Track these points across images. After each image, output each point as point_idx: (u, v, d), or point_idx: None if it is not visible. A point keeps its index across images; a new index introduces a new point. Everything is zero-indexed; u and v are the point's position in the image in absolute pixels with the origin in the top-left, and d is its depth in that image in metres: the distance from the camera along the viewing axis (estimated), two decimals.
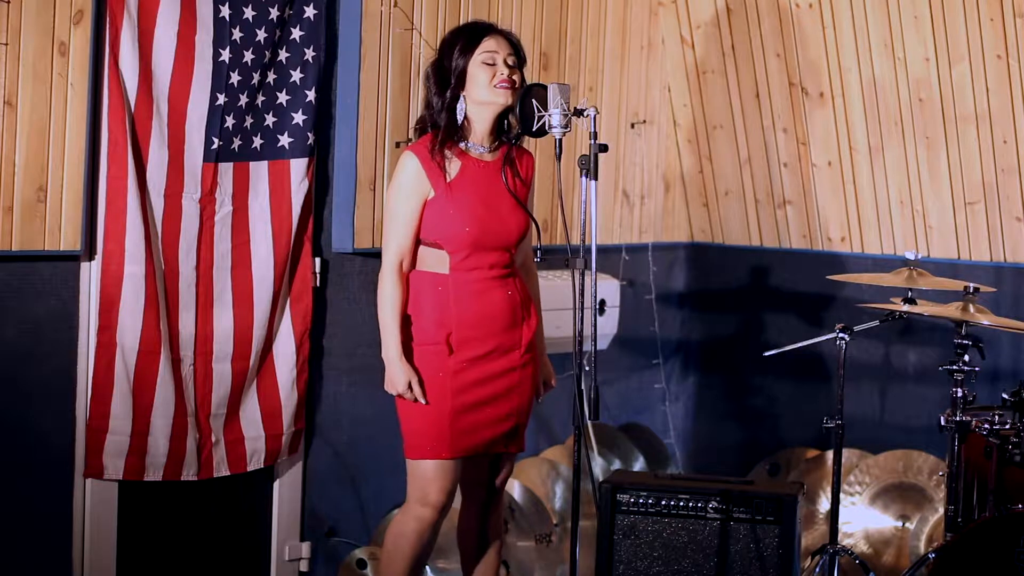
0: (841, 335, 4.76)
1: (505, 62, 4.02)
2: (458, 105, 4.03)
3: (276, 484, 4.88)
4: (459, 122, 4.03)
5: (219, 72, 4.47)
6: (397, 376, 4.02)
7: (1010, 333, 5.37)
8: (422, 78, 4.17)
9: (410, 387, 4.01)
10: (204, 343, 4.51)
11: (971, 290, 4.63)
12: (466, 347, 4.05)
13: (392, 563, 4.12)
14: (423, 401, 4.01)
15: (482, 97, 4.02)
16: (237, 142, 4.56)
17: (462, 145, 4.06)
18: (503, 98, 4.02)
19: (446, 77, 4.03)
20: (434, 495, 4.06)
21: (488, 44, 4.02)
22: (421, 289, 4.06)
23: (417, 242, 4.07)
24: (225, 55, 4.48)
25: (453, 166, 4.04)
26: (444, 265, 4.05)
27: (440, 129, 4.03)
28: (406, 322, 4.06)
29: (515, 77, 4.03)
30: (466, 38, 4.04)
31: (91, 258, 4.32)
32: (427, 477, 4.06)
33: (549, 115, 3.94)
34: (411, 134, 4.18)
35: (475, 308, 4.05)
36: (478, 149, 4.07)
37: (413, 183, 4.03)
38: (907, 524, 5.60)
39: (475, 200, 4.03)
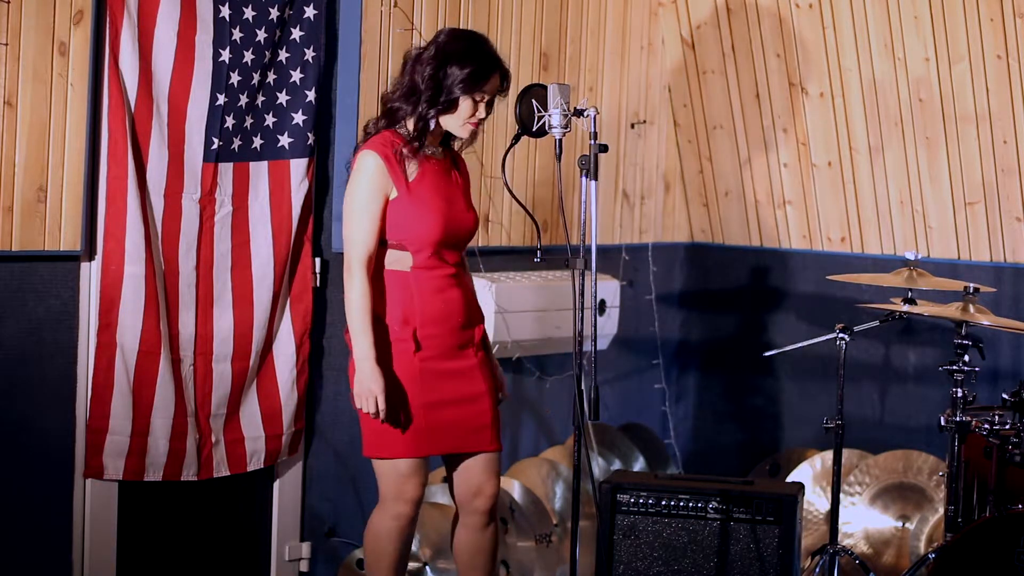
0: (841, 335, 4.77)
1: (487, 102, 4.03)
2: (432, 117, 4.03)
3: (276, 484, 4.88)
4: (430, 132, 4.03)
5: (219, 72, 4.47)
6: (370, 382, 3.94)
7: (1010, 333, 5.37)
8: (408, 69, 4.05)
9: (376, 401, 3.95)
10: (204, 343, 4.52)
11: (971, 290, 4.63)
12: (430, 343, 4.05)
13: (378, 565, 4.12)
14: (381, 418, 3.96)
15: (451, 126, 4.04)
16: (237, 142, 4.56)
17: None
18: (466, 135, 4.06)
19: (438, 94, 3.99)
20: (411, 491, 4.08)
21: (488, 86, 4.01)
22: (386, 288, 4.05)
23: (381, 243, 4.04)
24: (225, 55, 4.48)
25: (411, 166, 4.04)
26: (406, 263, 4.05)
27: (397, 125, 4.02)
28: (375, 321, 4.02)
29: (484, 118, 4.04)
30: (473, 72, 3.97)
31: (91, 258, 4.32)
32: (403, 475, 4.06)
33: (549, 115, 3.94)
34: (373, 121, 4.11)
35: (437, 305, 4.05)
36: (431, 149, 4.08)
37: (377, 181, 3.99)
38: (907, 524, 5.60)
39: (436, 198, 4.04)
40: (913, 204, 5.87)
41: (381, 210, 4.00)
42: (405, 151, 4.00)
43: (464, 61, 3.99)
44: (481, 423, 4.12)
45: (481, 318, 4.19)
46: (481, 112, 4.02)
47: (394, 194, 4.01)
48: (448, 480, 4.21)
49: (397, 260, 4.05)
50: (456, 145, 4.16)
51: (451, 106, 4.00)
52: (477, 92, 3.99)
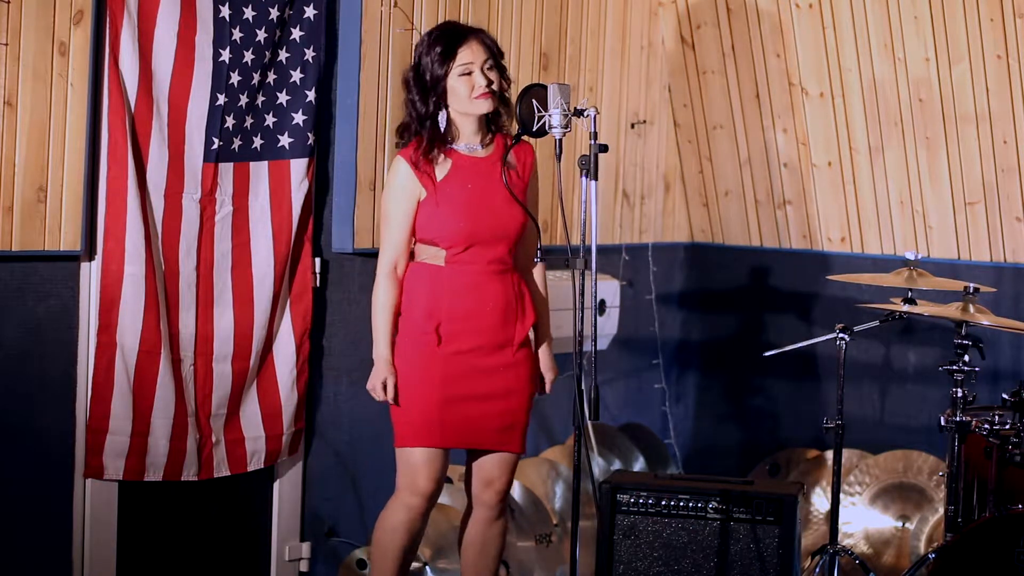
0: (841, 335, 4.76)
1: (482, 70, 4.05)
2: (440, 114, 4.07)
3: (276, 484, 4.88)
4: (442, 130, 4.07)
5: (219, 72, 4.47)
6: (383, 376, 4.09)
7: (1010, 333, 5.37)
8: (402, 83, 4.17)
9: (384, 388, 4.09)
10: (204, 343, 4.51)
11: (971, 290, 4.63)
12: (455, 339, 4.08)
13: (384, 556, 4.14)
14: (393, 402, 4.09)
15: (463, 109, 4.08)
16: (237, 142, 4.56)
17: (453, 146, 4.09)
18: (484, 108, 4.08)
19: (426, 88, 4.06)
20: (423, 483, 4.09)
21: (463, 55, 4.05)
22: (417, 279, 4.12)
23: (414, 242, 4.14)
24: (225, 55, 4.48)
25: (443, 166, 4.09)
26: (441, 258, 4.10)
27: (425, 134, 4.07)
28: (403, 312, 4.13)
29: (494, 85, 4.07)
30: (442, 48, 4.05)
31: (91, 258, 4.32)
32: (416, 464, 4.09)
33: (549, 115, 3.94)
34: (393, 139, 4.21)
35: (467, 302, 4.08)
36: (468, 147, 4.11)
37: (404, 186, 4.09)
38: (907, 524, 5.59)
39: (466, 197, 4.07)
40: (913, 204, 5.87)
41: (409, 214, 4.09)
42: (434, 152, 4.06)
43: (431, 47, 4.07)
44: (506, 423, 4.14)
45: (529, 315, 4.18)
46: (479, 80, 4.04)
47: (423, 195, 4.08)
48: (466, 474, 4.24)
49: (432, 255, 4.11)
50: (505, 129, 4.16)
51: (442, 92, 4.04)
52: (456, 64, 4.03)
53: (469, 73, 4.04)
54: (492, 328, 4.11)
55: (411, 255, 4.16)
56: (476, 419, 4.11)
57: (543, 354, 4.27)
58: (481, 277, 4.10)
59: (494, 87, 4.06)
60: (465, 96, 4.05)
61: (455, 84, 4.04)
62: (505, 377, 4.13)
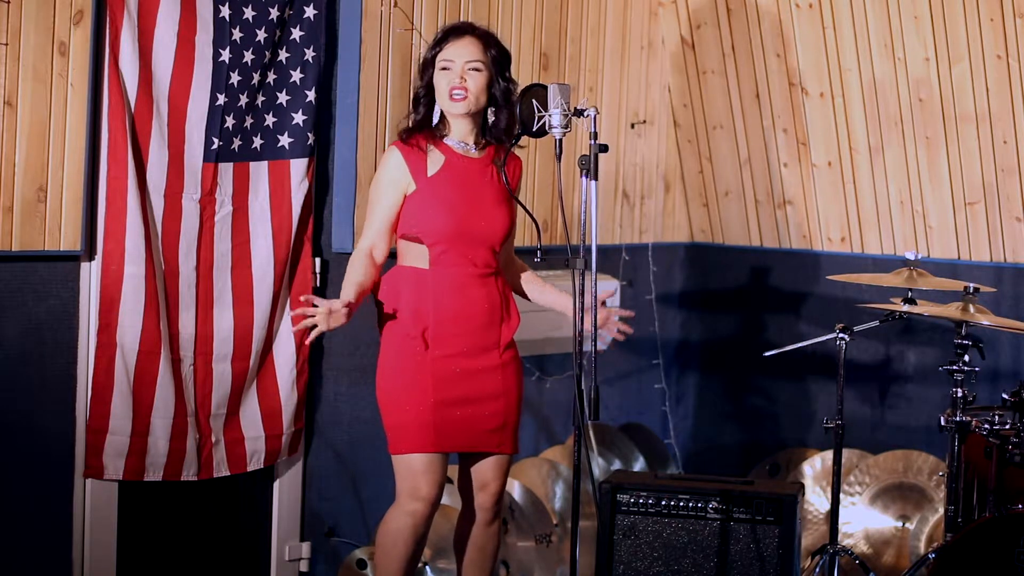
0: (841, 335, 4.77)
1: (463, 69, 4.04)
2: (435, 106, 4.10)
3: (276, 484, 4.88)
4: (434, 122, 4.09)
5: (219, 72, 4.47)
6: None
7: (1010, 333, 5.37)
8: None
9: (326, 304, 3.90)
10: (204, 343, 4.52)
11: (971, 290, 4.63)
12: (442, 343, 4.08)
13: (388, 562, 4.13)
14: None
15: (442, 106, 4.09)
16: (237, 142, 4.56)
17: (446, 140, 4.09)
18: (457, 109, 4.06)
19: (421, 77, 4.13)
20: (425, 488, 4.08)
21: (448, 51, 4.06)
22: (401, 283, 4.11)
23: (397, 239, 4.13)
24: (225, 55, 4.48)
25: (436, 160, 4.09)
26: (425, 260, 4.08)
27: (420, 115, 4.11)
28: (387, 316, 4.12)
29: (468, 84, 4.04)
30: (433, 43, 4.10)
31: (91, 258, 4.32)
32: (416, 471, 4.08)
33: (549, 115, 3.94)
34: (400, 124, 4.21)
35: (452, 305, 4.08)
36: (462, 145, 4.11)
37: (394, 175, 4.09)
38: (907, 524, 5.60)
39: (455, 194, 4.07)
40: (913, 204, 5.87)
41: (394, 205, 4.09)
42: (430, 146, 4.07)
43: (433, 38, 4.12)
44: (496, 424, 4.14)
45: (515, 317, 4.20)
46: (452, 78, 4.04)
47: (412, 188, 4.08)
48: (460, 477, 4.24)
49: (416, 256, 4.10)
50: (493, 135, 4.16)
51: (429, 84, 4.07)
52: (440, 62, 4.05)
53: (447, 70, 4.05)
54: (478, 331, 4.11)
55: (396, 256, 4.15)
56: (468, 422, 4.10)
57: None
58: (466, 280, 4.10)
59: (469, 87, 4.03)
60: (444, 93, 4.06)
61: (437, 80, 4.07)
62: (494, 379, 4.13)
